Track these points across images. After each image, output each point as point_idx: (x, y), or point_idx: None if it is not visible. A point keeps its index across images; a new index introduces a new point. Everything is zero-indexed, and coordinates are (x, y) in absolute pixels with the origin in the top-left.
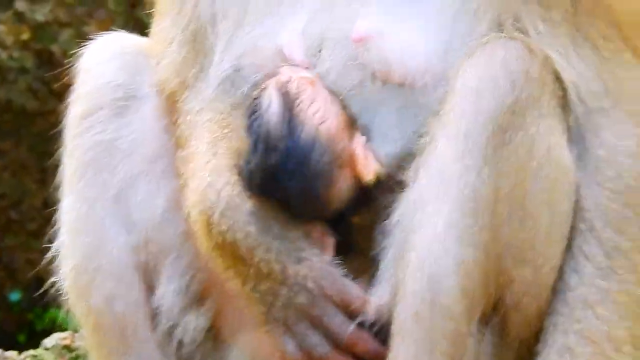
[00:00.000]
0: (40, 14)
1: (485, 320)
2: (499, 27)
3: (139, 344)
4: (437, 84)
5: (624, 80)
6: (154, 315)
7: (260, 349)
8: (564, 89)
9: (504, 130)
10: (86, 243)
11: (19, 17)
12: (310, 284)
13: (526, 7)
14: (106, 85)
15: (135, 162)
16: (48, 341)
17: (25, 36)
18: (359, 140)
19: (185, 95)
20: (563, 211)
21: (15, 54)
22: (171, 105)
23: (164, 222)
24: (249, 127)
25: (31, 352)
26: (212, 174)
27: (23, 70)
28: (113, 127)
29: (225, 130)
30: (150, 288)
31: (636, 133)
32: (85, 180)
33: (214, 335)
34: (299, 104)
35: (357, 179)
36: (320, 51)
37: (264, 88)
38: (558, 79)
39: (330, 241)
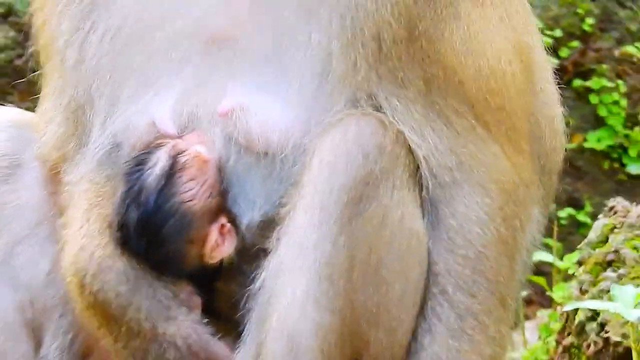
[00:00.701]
0: None
1: None
2: (355, 104)
3: None
4: (297, 156)
5: (475, 154)
6: None
7: None
8: (416, 163)
9: (357, 201)
10: None
11: None
12: (178, 342)
13: (381, 85)
14: None
15: (20, 226)
16: None
17: None
18: (217, 226)
19: (65, 167)
20: (416, 277)
21: None
22: (52, 176)
23: (49, 283)
24: (129, 174)
25: None
26: (85, 237)
27: None
28: None
29: (99, 199)
30: (38, 343)
31: (486, 203)
32: None
33: None
34: (179, 176)
35: (204, 257)
36: (191, 125)
37: (160, 146)
38: (411, 152)
39: (197, 301)
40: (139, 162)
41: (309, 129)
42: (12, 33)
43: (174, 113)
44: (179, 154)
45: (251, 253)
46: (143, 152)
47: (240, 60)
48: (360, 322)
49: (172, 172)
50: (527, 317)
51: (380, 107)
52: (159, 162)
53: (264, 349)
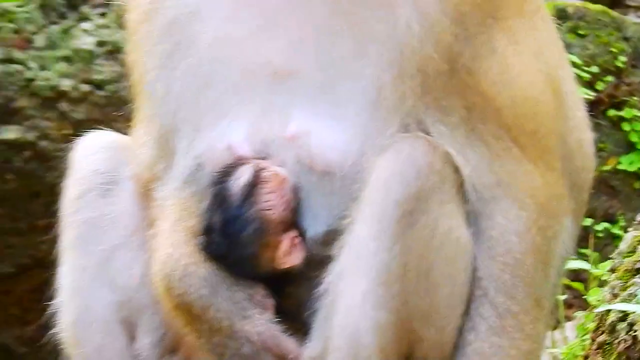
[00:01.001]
0: (80, 113)
1: None
2: (407, 128)
3: None
4: (355, 174)
5: (512, 172)
6: None
7: None
8: (462, 180)
9: (410, 214)
10: (79, 302)
11: (63, 115)
12: (253, 338)
13: (427, 113)
14: (93, 172)
15: (117, 235)
16: None
17: (67, 131)
18: (289, 236)
19: (156, 185)
20: (462, 280)
21: (61, 146)
22: (145, 192)
23: (141, 285)
24: (216, 184)
25: None
26: (171, 246)
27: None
28: (98, 206)
29: (185, 213)
30: (132, 338)
31: (522, 216)
32: (77, 251)
33: None
34: (260, 188)
35: (276, 262)
36: (263, 148)
37: (244, 163)
38: (457, 171)
39: (270, 303)
40: (225, 174)
41: (365, 151)
42: (117, 68)
43: (248, 138)
44: (261, 170)
45: (316, 260)
46: (229, 165)
47: (302, 91)
48: (413, 321)
49: (254, 184)
50: (567, 318)
51: (428, 131)
52: (243, 175)
53: (329, 344)
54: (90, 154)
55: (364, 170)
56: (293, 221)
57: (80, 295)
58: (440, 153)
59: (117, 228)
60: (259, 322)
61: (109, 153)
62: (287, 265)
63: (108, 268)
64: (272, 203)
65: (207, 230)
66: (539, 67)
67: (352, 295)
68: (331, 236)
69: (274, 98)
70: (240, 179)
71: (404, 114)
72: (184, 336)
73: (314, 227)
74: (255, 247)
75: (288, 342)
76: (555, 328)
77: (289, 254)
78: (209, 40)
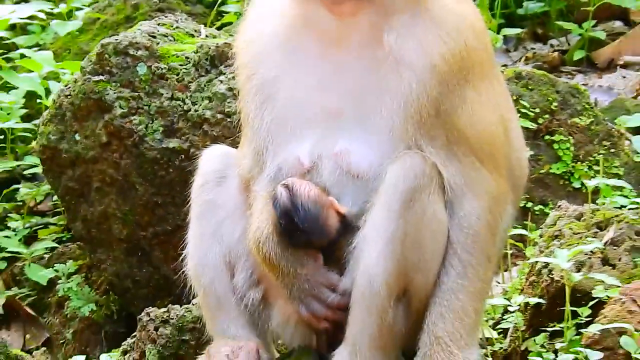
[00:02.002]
0: (216, 132)
1: (398, 299)
2: (409, 147)
3: (228, 304)
4: (376, 176)
5: (475, 177)
6: (234, 290)
7: (289, 309)
8: (443, 181)
9: (409, 201)
10: (199, 252)
11: (205, 133)
12: (309, 277)
13: (422, 139)
14: (212, 170)
15: (225, 211)
16: (194, 300)
17: (208, 143)
18: (331, 198)
19: (253, 182)
20: (441, 243)
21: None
22: (246, 186)
23: (239, 242)
24: (275, 207)
25: (185, 306)
26: (259, 222)
27: None
28: (214, 192)
29: (268, 201)
30: (232, 275)
31: (480, 205)
32: (200, 220)
33: (264, 302)
34: (297, 188)
35: (339, 214)
36: (317, 160)
37: (276, 188)
38: (440, 175)
39: (319, 255)
40: (274, 199)
41: (384, 161)
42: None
43: (309, 153)
44: (288, 182)
45: (351, 229)
46: (272, 193)
47: (345, 125)
48: (408, 268)
49: (292, 191)
50: (513, 265)
51: (423, 150)
52: (282, 192)
53: (355, 281)
54: (210, 158)
55: (381, 173)
56: (327, 194)
57: (201, 247)
58: (429, 163)
59: (225, 206)
60: (311, 267)
61: (222, 158)
62: (344, 209)
63: (218, 231)
64: (308, 188)
65: (291, 232)
66: (495, 111)
67: (370, 252)
68: (361, 214)
69: (327, 129)
70: (282, 195)
71: (407, 140)
72: (265, 275)
73: (352, 209)
74: (323, 212)
75: (331, 276)
76: (505, 270)
77: (337, 205)
78: (285, 94)
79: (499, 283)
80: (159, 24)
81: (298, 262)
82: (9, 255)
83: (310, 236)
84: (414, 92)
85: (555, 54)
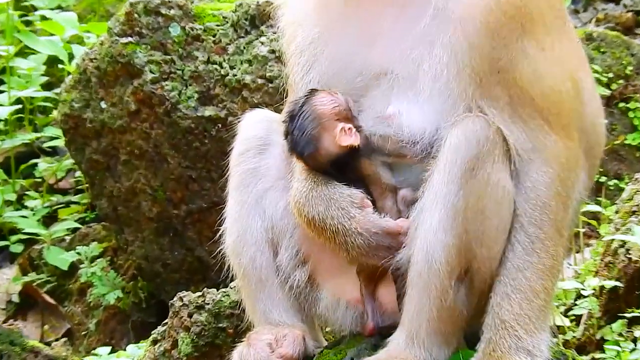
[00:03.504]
0: (256, 99)
1: (460, 279)
2: (470, 110)
3: (270, 286)
4: (431, 141)
5: (543, 141)
6: (277, 270)
7: (339, 289)
8: (508, 146)
9: (472, 169)
10: (239, 227)
11: (244, 100)
12: (360, 230)
13: (482, 100)
14: (253, 137)
15: (268, 180)
16: (232, 283)
17: (247, 111)
18: (344, 125)
19: None
20: (506, 216)
21: None
22: (289, 153)
23: (283, 215)
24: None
25: (222, 290)
26: (298, 183)
27: None
28: (255, 160)
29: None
30: (275, 253)
31: (549, 171)
32: (239, 191)
33: (311, 283)
34: (315, 96)
35: (335, 141)
36: (371, 122)
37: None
38: (505, 140)
39: (368, 202)
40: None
41: (440, 126)
42: (282, 68)
43: (360, 116)
44: (316, 90)
45: (408, 200)
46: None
47: (396, 83)
48: (471, 243)
49: (311, 95)
50: (585, 245)
51: (485, 112)
52: (303, 96)
53: (412, 258)
54: (252, 123)
55: (439, 139)
56: (349, 118)
57: (240, 222)
58: (493, 128)
59: (268, 176)
60: (360, 218)
61: (265, 124)
62: (344, 144)
63: (260, 204)
64: (323, 101)
65: (286, 133)
66: (563, 69)
67: (429, 224)
68: (418, 183)
69: (375, 89)
70: (302, 97)
71: (466, 100)
72: (312, 252)
73: (407, 179)
74: (315, 130)
75: (386, 221)
76: (577, 252)
77: (344, 135)
78: (330, 54)
79: (570, 265)
80: None
81: (344, 216)
82: (27, 237)
83: (296, 146)
84: (464, 46)
85: (629, 14)
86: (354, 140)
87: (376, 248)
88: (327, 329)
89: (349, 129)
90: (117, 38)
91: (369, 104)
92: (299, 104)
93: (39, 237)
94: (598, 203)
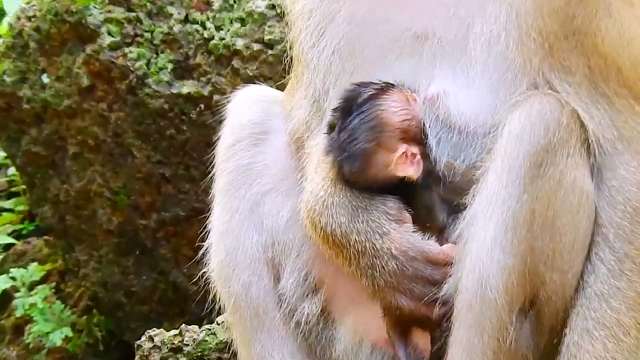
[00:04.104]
0: (251, 70)
1: (524, 312)
2: (536, 87)
3: (269, 321)
4: (488, 129)
5: (634, 128)
6: (279, 300)
7: (362, 326)
8: (587, 134)
9: (539, 165)
10: (228, 243)
11: (235, 72)
12: (394, 252)
13: (552, 73)
14: (247, 122)
15: (266, 181)
16: (220, 318)
17: (239, 87)
18: (407, 147)
19: (307, 137)
20: (584, 228)
21: None
22: (298, 144)
23: (288, 228)
24: (348, 91)
25: (206, 326)
26: (313, 185)
27: None
28: (250, 154)
29: (324, 157)
30: (276, 278)
31: None
32: (229, 195)
33: (324, 318)
34: (387, 96)
35: (389, 166)
36: None
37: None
38: (582, 126)
39: (406, 215)
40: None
41: (497, 108)
42: (287, 29)
43: None
44: (390, 87)
45: (453, 198)
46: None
47: (440, 52)
48: (538, 265)
49: (381, 93)
50: None
51: (555, 89)
52: (372, 86)
53: (459, 284)
54: (246, 105)
55: (496, 125)
56: (418, 139)
57: (230, 237)
58: (567, 109)
59: (267, 175)
60: (396, 236)
61: (263, 105)
62: (399, 173)
63: (257, 212)
64: (392, 108)
65: (331, 128)
66: None
67: (482, 239)
68: (465, 184)
69: (414, 61)
70: (369, 88)
71: (531, 74)
72: (327, 276)
73: (451, 177)
74: (370, 143)
75: (429, 245)
76: None
77: (403, 163)
78: (351, 14)
79: None
80: None
81: (375, 231)
82: None
83: (340, 152)
84: (529, 1)
85: None
86: (414, 171)
87: (411, 279)
88: None
89: (413, 154)
90: None
91: (406, 80)
92: (362, 95)
93: None
94: None
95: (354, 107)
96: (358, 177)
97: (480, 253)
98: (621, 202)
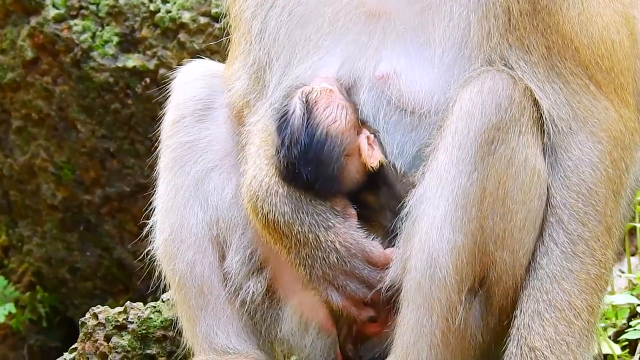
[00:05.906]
0: (197, 44)
1: (473, 292)
2: (490, 64)
3: (214, 300)
4: (439, 108)
5: (589, 107)
6: (224, 279)
7: (307, 307)
8: (540, 113)
9: (490, 143)
10: (173, 221)
11: (182, 45)
12: (338, 246)
13: (511, 51)
14: (191, 98)
15: (211, 158)
16: (165, 295)
17: (185, 60)
18: (364, 136)
19: (248, 112)
20: (536, 207)
21: None
22: (238, 118)
23: (232, 205)
24: (278, 128)
25: (151, 304)
26: (255, 169)
27: None
28: (194, 131)
29: (267, 139)
30: (222, 256)
31: (597, 148)
32: (173, 172)
33: (270, 297)
34: (316, 109)
35: (364, 165)
36: (352, 85)
37: (291, 97)
38: (536, 104)
39: (352, 211)
40: (282, 115)
41: (450, 87)
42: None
43: (338, 74)
44: (308, 94)
45: (397, 177)
46: (282, 106)
47: (392, 32)
48: (488, 244)
49: (309, 108)
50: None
51: (512, 67)
52: (296, 107)
53: (408, 263)
54: (190, 81)
55: (447, 104)
56: (359, 121)
57: (175, 214)
58: (520, 87)
59: (211, 151)
60: (341, 230)
61: (207, 81)
62: (376, 164)
63: (202, 189)
64: (333, 115)
65: (289, 167)
66: (615, 7)
67: (431, 218)
68: (416, 164)
69: (365, 38)
70: (295, 111)
71: (488, 51)
72: (272, 255)
73: (401, 157)
74: (340, 160)
75: (372, 246)
76: (633, 255)
77: (372, 152)
78: None
79: (623, 273)
80: None
81: (319, 223)
82: None
83: (313, 183)
84: None
85: None
86: (379, 152)
87: (347, 275)
88: (293, 359)
89: (370, 139)
90: None
91: (356, 59)
92: (295, 121)
93: None
94: None
95: (297, 139)
96: (330, 191)
97: (430, 231)
98: (576, 184)
